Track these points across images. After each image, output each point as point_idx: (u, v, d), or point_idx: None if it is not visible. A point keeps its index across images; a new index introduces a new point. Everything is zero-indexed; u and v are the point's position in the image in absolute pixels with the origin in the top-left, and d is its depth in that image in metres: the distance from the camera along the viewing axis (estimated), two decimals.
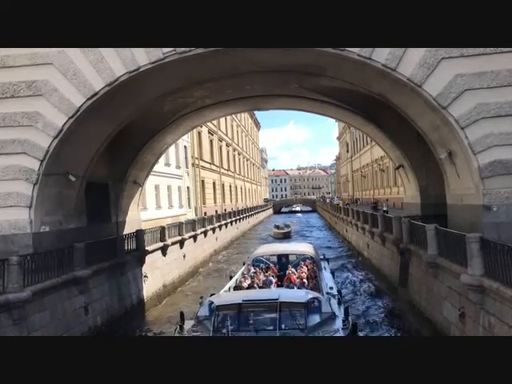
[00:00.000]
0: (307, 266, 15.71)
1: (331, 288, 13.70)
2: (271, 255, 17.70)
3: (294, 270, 15.21)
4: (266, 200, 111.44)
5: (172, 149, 33.56)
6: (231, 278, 16.35)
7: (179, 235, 24.68)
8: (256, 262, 16.66)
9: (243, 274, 15.27)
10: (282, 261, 17.21)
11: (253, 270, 15.60)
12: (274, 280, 14.45)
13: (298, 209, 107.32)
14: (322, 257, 19.37)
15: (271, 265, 16.56)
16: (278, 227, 51.50)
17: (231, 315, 9.44)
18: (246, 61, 14.51)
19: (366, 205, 52.72)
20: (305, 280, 13.88)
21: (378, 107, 17.91)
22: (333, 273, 17.66)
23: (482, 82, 12.40)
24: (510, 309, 8.61)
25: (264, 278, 14.43)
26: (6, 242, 12.96)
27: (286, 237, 46.43)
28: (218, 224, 36.68)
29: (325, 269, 17.15)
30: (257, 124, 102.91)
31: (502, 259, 9.06)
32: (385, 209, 29.81)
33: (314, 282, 13.47)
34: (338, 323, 9.87)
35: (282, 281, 14.73)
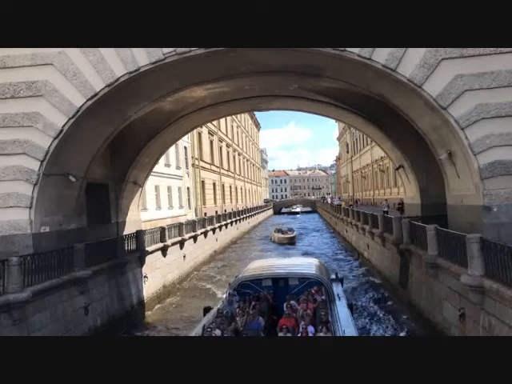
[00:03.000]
0: (313, 296, 11.77)
1: None
2: (264, 278, 13.09)
3: (294, 302, 11.32)
4: (266, 200, 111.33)
5: (172, 149, 33.58)
6: (205, 312, 12.33)
7: (179, 236, 24.70)
8: (242, 288, 12.69)
9: (218, 311, 11.08)
10: (280, 285, 13.00)
11: (237, 301, 11.88)
12: (262, 322, 10.48)
13: (298, 209, 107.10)
14: (333, 276, 15.21)
15: (263, 292, 12.46)
16: (280, 231, 45.21)
17: None
18: (246, 61, 14.52)
19: (366, 205, 52.75)
20: (311, 332, 9.29)
21: (378, 108, 17.92)
22: (351, 306, 12.44)
23: (481, 82, 12.41)
24: (510, 309, 8.61)
25: (250, 316, 10.50)
26: (6, 243, 12.96)
27: (290, 243, 41.21)
28: (218, 225, 36.69)
29: (339, 299, 12.33)
30: (257, 124, 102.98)
31: (502, 260, 9.07)
32: (385, 209, 29.77)
33: (325, 332, 9.00)
34: None
35: (278, 315, 11.13)
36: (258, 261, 17.35)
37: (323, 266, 14.89)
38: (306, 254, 33.55)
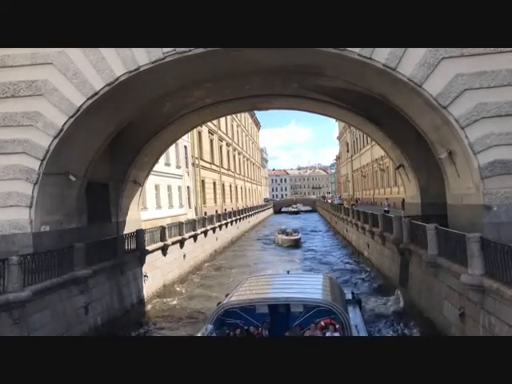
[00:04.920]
0: (323, 329, 9.32)
1: None
2: (258, 303, 10.02)
3: None
4: (266, 200, 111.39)
5: (172, 148, 33.56)
6: None
7: (179, 235, 24.69)
8: (228, 317, 9.84)
9: None
10: (280, 311, 10.11)
11: None
12: None
13: (298, 209, 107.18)
14: (349, 295, 12.43)
15: (255, 324, 9.74)
16: (284, 232, 42.25)
17: None
18: (246, 61, 14.50)
19: (366, 204, 52.72)
20: None
21: (379, 107, 17.90)
22: None
23: (482, 81, 12.40)
24: (511, 309, 8.61)
25: None
26: (6, 242, 12.95)
27: (295, 245, 38.86)
28: (219, 224, 36.69)
29: (357, 332, 9.61)
30: (257, 124, 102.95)
31: (502, 259, 9.06)
32: (385, 208, 29.80)
33: None
34: None
35: None
36: (252, 278, 13.38)
37: (336, 284, 11.70)
38: (310, 257, 32.73)
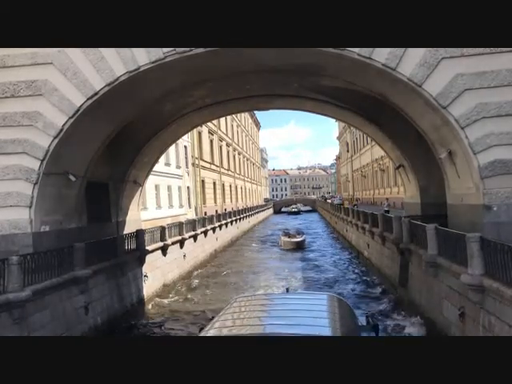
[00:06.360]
0: None
1: None
2: (248, 336, 7.35)
3: None
4: (266, 200, 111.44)
5: (172, 148, 33.58)
6: None
7: (179, 235, 24.70)
8: None
9: None
10: None
11: None
12: None
13: (298, 209, 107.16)
14: (363, 320, 9.82)
15: None
16: (288, 235, 40.69)
17: None
18: (247, 61, 14.50)
19: (366, 204, 52.69)
20: None
21: (379, 107, 17.91)
22: None
23: (482, 81, 12.40)
24: (510, 308, 8.61)
25: None
26: (6, 242, 12.95)
27: (299, 247, 37.41)
28: (219, 224, 36.69)
29: None
30: (257, 124, 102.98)
31: (502, 259, 9.06)
32: (386, 208, 29.80)
33: None
34: None
35: None
36: (241, 299, 10.25)
37: (346, 307, 9.24)
38: (311, 260, 31.67)
